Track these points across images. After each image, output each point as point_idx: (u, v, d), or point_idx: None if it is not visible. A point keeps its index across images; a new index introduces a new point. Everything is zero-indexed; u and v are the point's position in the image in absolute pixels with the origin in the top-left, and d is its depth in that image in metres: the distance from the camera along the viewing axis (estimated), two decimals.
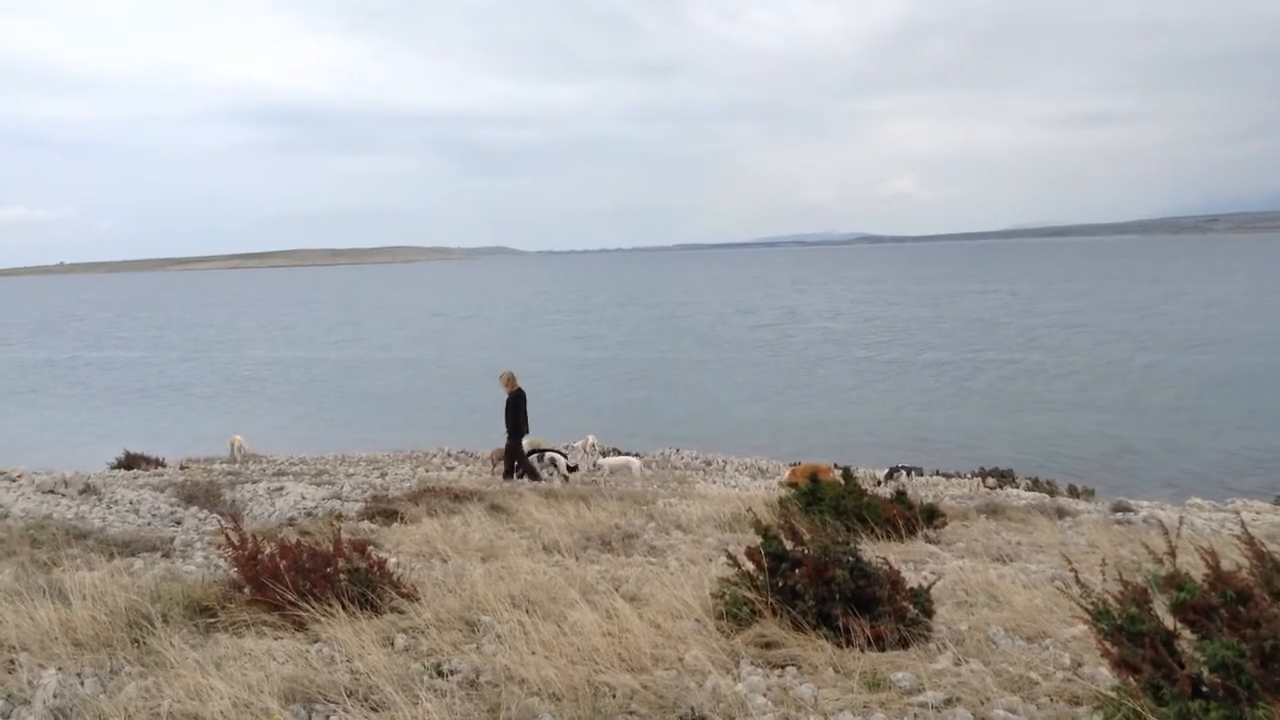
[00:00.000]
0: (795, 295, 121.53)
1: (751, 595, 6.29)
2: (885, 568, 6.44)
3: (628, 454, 20.37)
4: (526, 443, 19.37)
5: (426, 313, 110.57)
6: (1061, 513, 13.74)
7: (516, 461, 18.91)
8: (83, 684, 5.28)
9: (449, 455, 23.99)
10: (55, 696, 4.96)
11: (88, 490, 14.09)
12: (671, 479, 19.88)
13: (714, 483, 19.23)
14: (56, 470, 16.65)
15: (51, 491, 13.84)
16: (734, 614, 6.30)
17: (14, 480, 14.81)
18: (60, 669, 5.56)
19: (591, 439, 24.23)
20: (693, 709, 4.89)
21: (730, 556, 6.71)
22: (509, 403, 18.74)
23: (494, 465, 19.33)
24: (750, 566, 6.49)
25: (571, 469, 19.28)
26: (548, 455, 19.44)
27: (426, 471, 20.08)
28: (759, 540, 6.64)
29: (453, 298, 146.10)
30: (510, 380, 18.96)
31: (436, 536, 10.41)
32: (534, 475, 18.81)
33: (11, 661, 5.84)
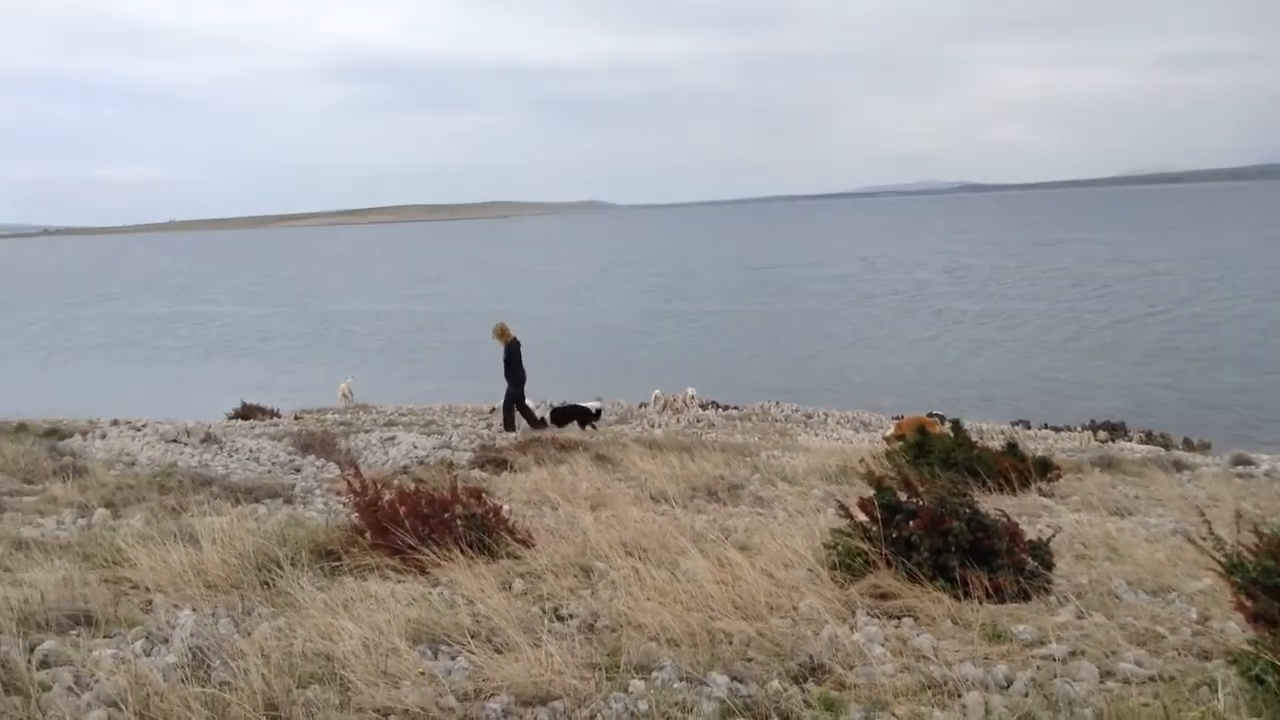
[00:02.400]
0: (886, 245, 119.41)
1: (865, 546, 6.25)
2: (1003, 520, 6.35)
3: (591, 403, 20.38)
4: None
5: (517, 267, 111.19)
6: (1179, 466, 13.36)
7: (518, 409, 18.94)
8: (217, 624, 5.46)
9: (549, 406, 24.21)
10: (193, 635, 5.12)
11: (209, 439, 14.59)
12: (773, 431, 19.79)
13: (815, 436, 19.08)
14: (178, 420, 17.25)
15: (175, 441, 14.35)
16: (847, 565, 6.28)
17: (139, 430, 15.39)
18: (195, 609, 5.77)
19: (691, 391, 24.25)
20: (811, 657, 4.89)
21: (842, 507, 6.69)
22: (506, 353, 18.78)
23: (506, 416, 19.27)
24: (863, 518, 6.45)
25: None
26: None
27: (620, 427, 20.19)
28: (871, 492, 6.60)
29: (544, 251, 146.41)
30: (504, 331, 18.96)
31: (545, 485, 10.56)
32: (537, 423, 18.83)
33: (148, 602, 6.09)
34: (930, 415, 19.68)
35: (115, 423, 16.58)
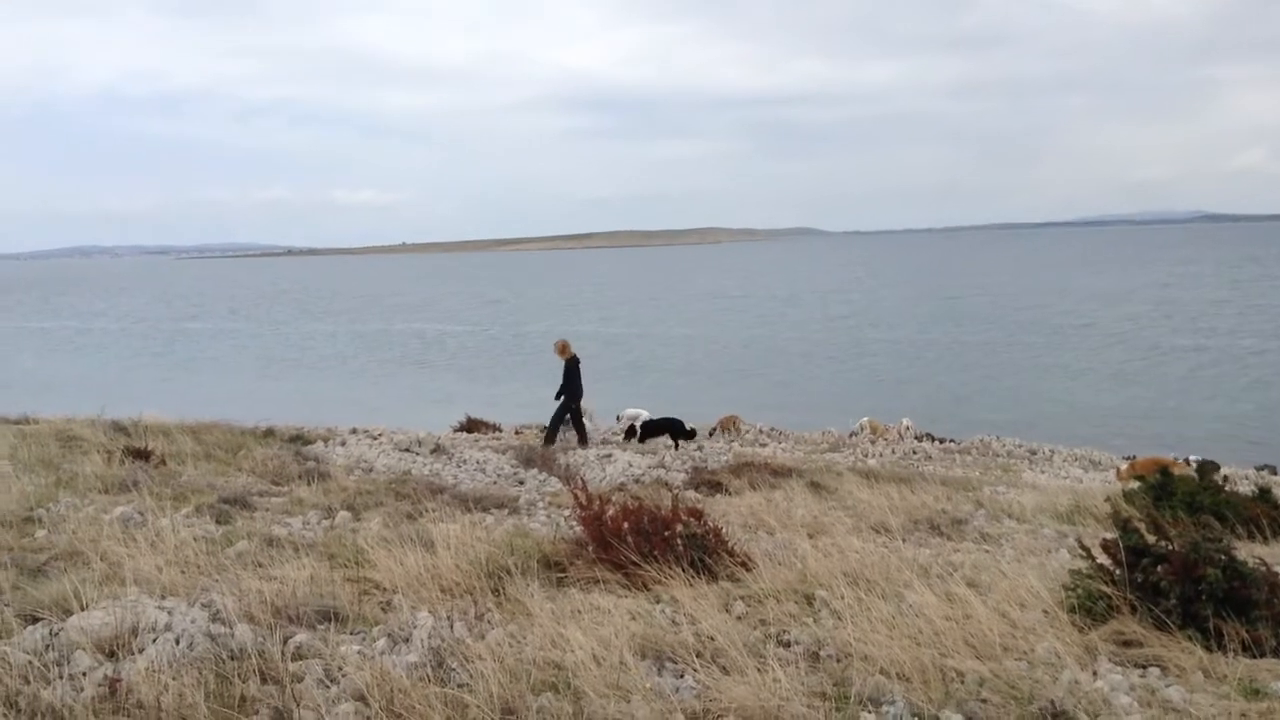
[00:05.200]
0: (1102, 275, 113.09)
1: (1107, 589, 5.94)
2: (1262, 568, 5.92)
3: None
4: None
5: (715, 293, 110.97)
6: None
7: (570, 421, 19.16)
8: (452, 627, 5.63)
9: (760, 432, 24.17)
10: (431, 636, 5.32)
11: (438, 450, 15.32)
12: (994, 466, 19.09)
13: (1042, 473, 18.25)
14: (410, 430, 18.13)
15: (407, 450, 15.12)
16: (1087, 608, 5.97)
17: (375, 438, 16.30)
18: (431, 611, 5.99)
19: (906, 421, 23.79)
20: (1052, 703, 4.67)
21: (1083, 547, 6.37)
22: (566, 369, 19.11)
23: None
24: (1105, 559, 6.14)
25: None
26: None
27: (740, 446, 20.29)
28: (1110, 533, 6.28)
29: (745, 277, 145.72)
30: (564, 348, 19.43)
31: (760, 509, 10.52)
32: (583, 437, 19.00)
33: (388, 602, 6.36)
34: (1182, 459, 18.52)
35: (354, 431, 17.58)
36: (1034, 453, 21.91)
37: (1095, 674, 5.16)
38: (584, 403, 19.41)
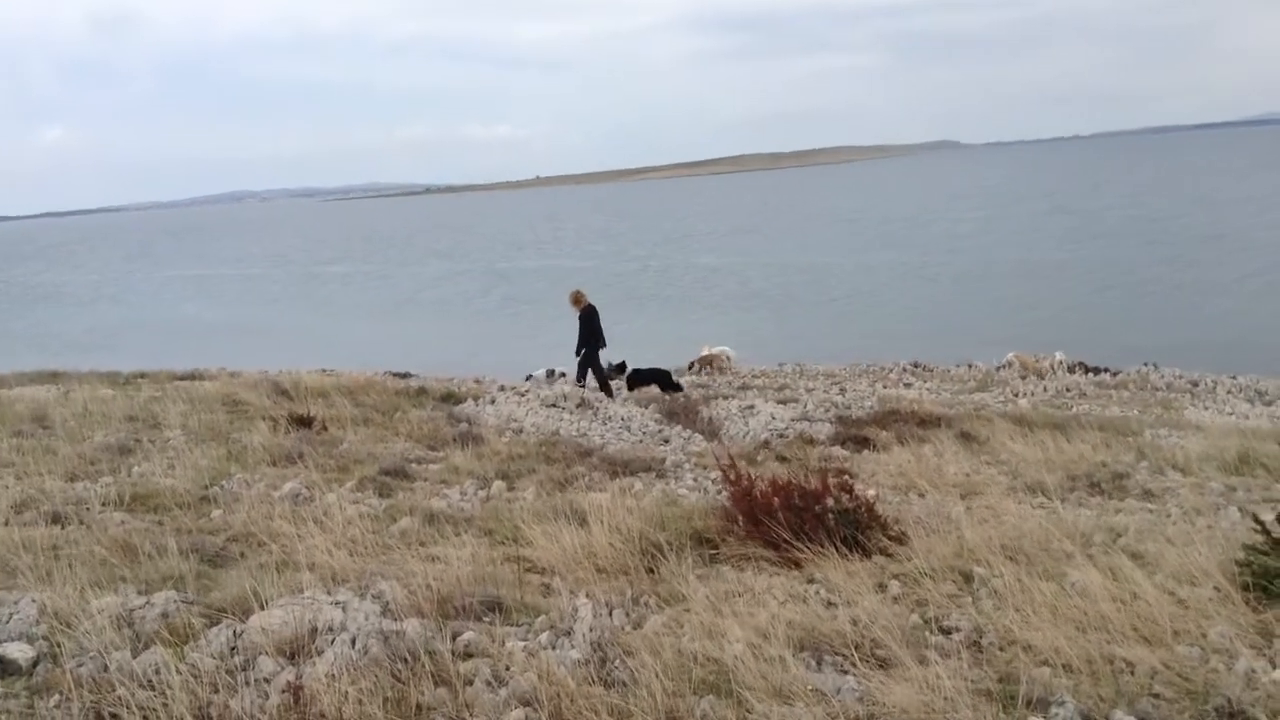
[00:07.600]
0: (1259, 181, 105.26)
1: None
2: None
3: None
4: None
5: (837, 216, 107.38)
6: None
7: (591, 372, 19.10)
8: (610, 615, 5.68)
9: (904, 370, 23.68)
10: (591, 629, 5.33)
11: (583, 404, 15.52)
12: (1153, 403, 18.31)
13: (1206, 408, 17.41)
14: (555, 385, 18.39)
15: (554, 405, 15.36)
16: (1263, 586, 5.72)
17: (523, 395, 16.58)
18: (589, 595, 6.05)
19: (1059, 355, 23.05)
20: (1229, 700, 4.48)
21: (1257, 521, 6.08)
22: (581, 319, 19.06)
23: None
24: None
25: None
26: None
27: (884, 388, 19.94)
28: None
29: (873, 199, 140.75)
30: (578, 298, 19.30)
31: (910, 468, 10.36)
32: (607, 388, 18.94)
33: (547, 585, 6.47)
34: None
35: (502, 388, 17.94)
36: (1195, 384, 20.85)
37: (1272, 662, 4.93)
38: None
